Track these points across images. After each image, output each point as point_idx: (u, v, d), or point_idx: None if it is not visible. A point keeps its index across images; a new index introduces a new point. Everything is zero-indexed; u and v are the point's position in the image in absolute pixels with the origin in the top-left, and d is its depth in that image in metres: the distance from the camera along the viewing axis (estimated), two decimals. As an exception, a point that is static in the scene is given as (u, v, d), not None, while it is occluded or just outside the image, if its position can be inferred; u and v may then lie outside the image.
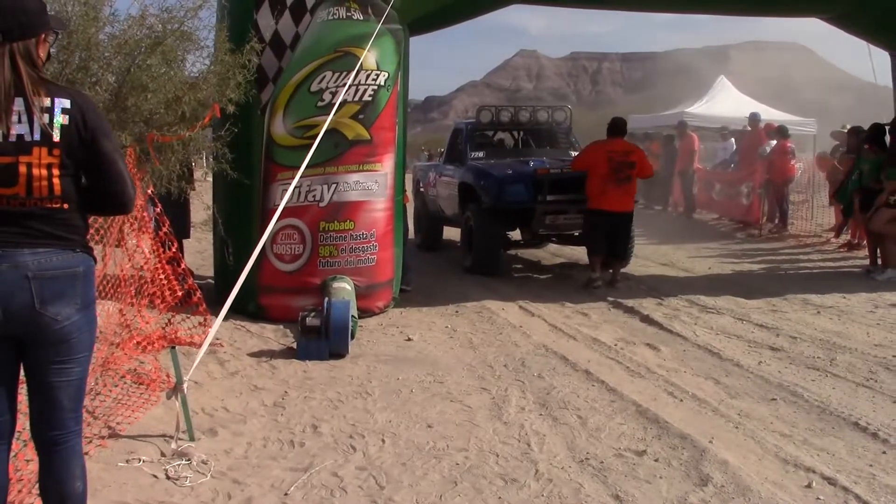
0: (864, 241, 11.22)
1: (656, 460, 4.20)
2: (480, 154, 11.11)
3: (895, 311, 7.85)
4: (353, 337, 6.47)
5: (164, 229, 5.81)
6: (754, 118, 16.16)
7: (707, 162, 17.42)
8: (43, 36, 2.73)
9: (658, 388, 5.47)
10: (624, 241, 9.46)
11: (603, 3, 10.27)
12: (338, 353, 6.20)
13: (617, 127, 9.58)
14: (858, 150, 11.22)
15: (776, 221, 14.31)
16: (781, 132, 14.43)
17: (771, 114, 20.81)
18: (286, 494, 3.80)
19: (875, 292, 8.69)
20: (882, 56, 10.28)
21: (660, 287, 9.14)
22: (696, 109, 21.69)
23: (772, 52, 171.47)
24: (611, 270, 9.43)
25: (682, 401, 5.19)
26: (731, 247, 13.06)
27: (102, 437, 4.30)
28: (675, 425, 4.65)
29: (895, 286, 9.00)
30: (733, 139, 16.89)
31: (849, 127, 12.85)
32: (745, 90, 24.82)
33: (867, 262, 10.38)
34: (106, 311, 5.26)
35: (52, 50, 2.85)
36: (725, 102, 22.24)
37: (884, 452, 4.31)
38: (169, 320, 6.13)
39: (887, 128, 10.03)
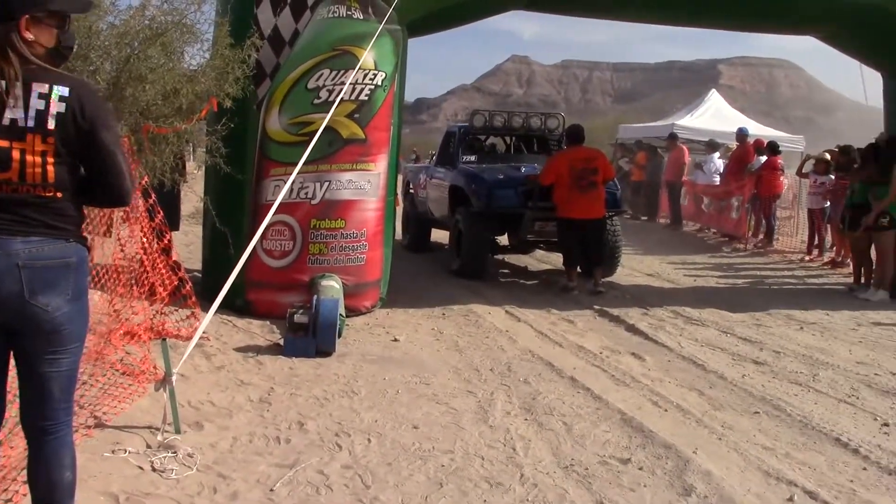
0: (848, 259, 11.33)
1: (640, 469, 4.23)
2: (472, 158, 11.14)
3: (878, 329, 7.94)
4: (340, 335, 6.48)
5: (158, 220, 5.79)
6: (742, 133, 16.27)
7: (697, 175, 17.50)
8: (30, 17, 2.61)
9: (643, 397, 5.51)
10: (598, 248, 9.54)
11: (597, 13, 10.33)
12: (325, 350, 6.21)
13: (576, 134, 9.76)
14: (848, 169, 11.35)
15: (761, 236, 14.41)
16: (772, 148, 14.54)
17: (759, 129, 20.95)
18: (272, 490, 3.81)
19: (858, 310, 8.78)
20: (874, 76, 10.37)
21: (645, 297, 9.19)
22: (685, 122, 21.80)
23: (762, 68, 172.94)
24: (592, 279, 9.49)
25: (666, 410, 5.23)
26: (716, 260, 13.13)
27: (89, 427, 4.29)
28: (660, 435, 4.69)
29: (879, 305, 9.10)
30: (718, 153, 16.99)
31: (840, 146, 12.97)
32: (735, 105, 24.97)
33: (851, 279, 10.47)
34: (93, 302, 5.24)
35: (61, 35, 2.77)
36: (714, 116, 22.37)
37: (864, 469, 4.36)
38: (158, 312, 6.11)
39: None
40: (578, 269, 9.71)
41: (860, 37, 9.72)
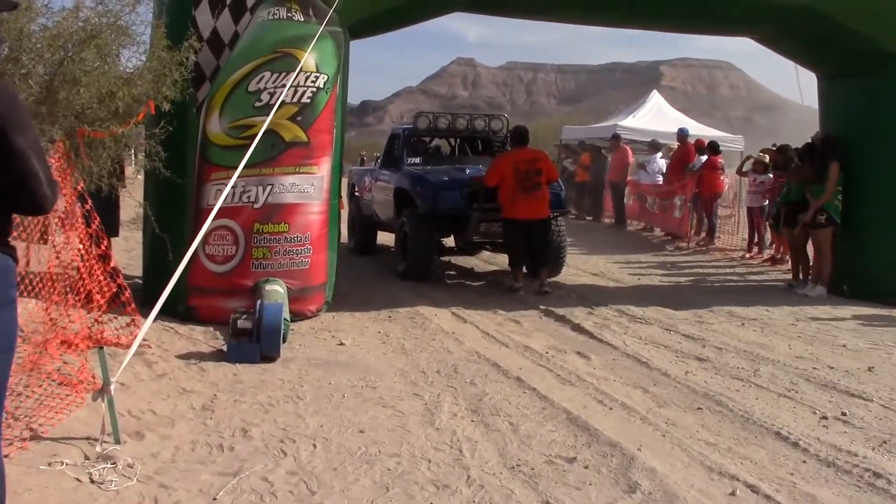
0: (787, 256, 11.57)
1: (586, 467, 4.25)
2: (417, 160, 11.13)
3: (816, 324, 8.11)
4: (284, 340, 6.41)
5: (95, 226, 5.66)
6: (682, 134, 16.52)
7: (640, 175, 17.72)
8: None
9: (588, 395, 5.55)
10: (543, 248, 9.62)
11: (538, 15, 10.39)
12: (269, 356, 6.13)
13: (521, 135, 9.86)
14: (785, 168, 11.59)
15: (703, 235, 14.65)
16: (713, 148, 14.80)
17: (700, 129, 21.30)
18: (215, 499, 3.74)
19: (797, 306, 8.97)
20: (809, 77, 10.61)
21: (590, 296, 9.27)
22: (628, 122, 22.07)
23: (702, 70, 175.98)
24: (538, 280, 9.56)
25: (611, 409, 5.27)
26: (660, 258, 13.32)
27: (24, 440, 4.17)
28: (605, 433, 4.72)
29: (817, 301, 9.30)
30: (660, 153, 17.24)
31: (777, 145, 13.26)
32: (677, 105, 25.34)
33: (790, 276, 10.69)
34: (27, 311, 5.12)
35: None
36: (657, 117, 22.68)
37: (804, 461, 4.44)
38: (96, 320, 5.98)
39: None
40: (524, 270, 9.75)
41: (794, 38, 9.92)
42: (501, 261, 11.62)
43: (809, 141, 10.55)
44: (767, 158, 12.90)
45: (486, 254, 11.63)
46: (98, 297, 5.61)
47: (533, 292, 9.34)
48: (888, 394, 5.73)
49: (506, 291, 9.50)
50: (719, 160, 14.71)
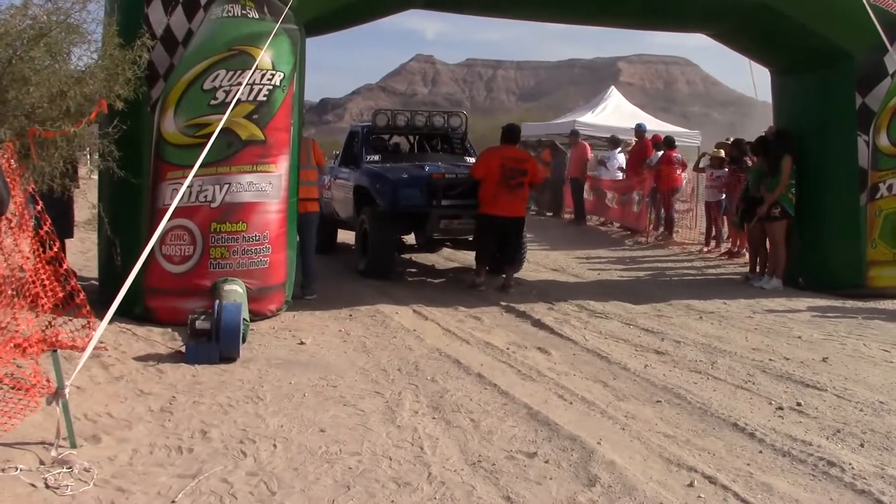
0: (744, 249, 11.72)
1: (546, 462, 4.28)
2: (376, 157, 11.08)
3: (771, 316, 8.23)
4: (244, 340, 6.35)
5: (46, 228, 5.55)
6: (640, 129, 16.66)
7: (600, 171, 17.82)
8: None
9: (549, 390, 5.58)
10: (515, 247, 9.70)
11: (494, 12, 10.41)
12: (228, 356, 6.08)
13: (512, 134, 9.81)
14: (741, 162, 11.76)
15: (662, 229, 14.79)
16: (668, 143, 14.94)
17: (658, 125, 21.51)
18: (173, 502, 3.71)
19: (753, 298, 9.10)
20: (762, 72, 10.76)
21: (551, 292, 9.31)
22: (587, 119, 22.21)
23: (659, 66, 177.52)
24: (503, 276, 9.58)
25: (571, 403, 5.30)
26: (619, 253, 13.42)
27: (-24, 446, 4.09)
28: (565, 427, 4.75)
29: (773, 293, 9.44)
30: (619, 149, 17.38)
31: (732, 139, 13.44)
32: (635, 101, 25.57)
33: (747, 269, 10.84)
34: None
35: None
36: (615, 113, 22.86)
37: (760, 452, 4.51)
38: (49, 323, 5.87)
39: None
40: (486, 267, 9.76)
41: (749, 35, 10.04)
42: (462, 257, 11.65)
43: (762, 135, 10.71)
44: (723, 153, 13.07)
45: (446, 251, 11.64)
46: (45, 300, 5.49)
47: (496, 289, 9.37)
48: (842, 384, 5.84)
49: (468, 288, 9.51)
50: (675, 154, 14.86)
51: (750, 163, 11.54)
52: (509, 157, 9.38)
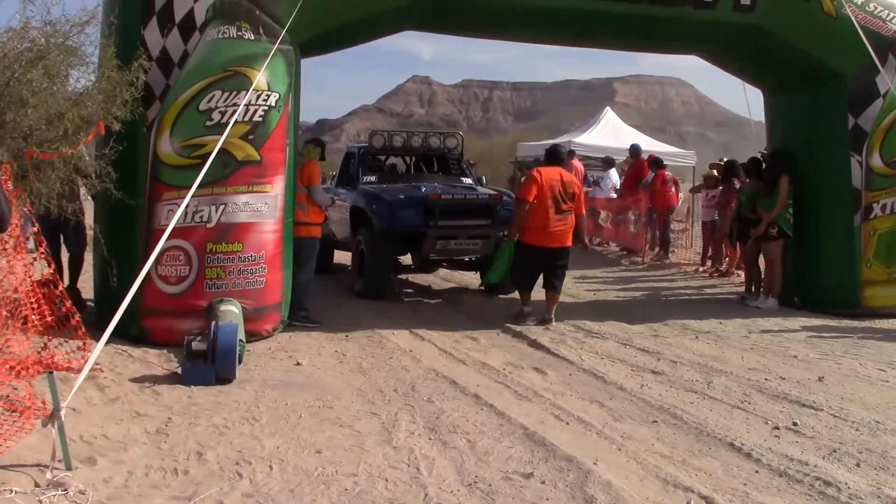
0: (737, 269, 11.74)
1: (543, 482, 4.26)
2: (372, 178, 11.12)
3: (767, 336, 8.24)
4: (240, 361, 6.34)
5: (42, 249, 5.55)
6: (635, 150, 16.72)
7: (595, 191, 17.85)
8: None
9: (545, 411, 5.57)
10: (560, 277, 8.87)
11: (490, 33, 10.47)
12: (224, 377, 6.06)
13: (557, 155, 9.18)
14: (730, 182, 11.84)
15: (657, 249, 14.81)
16: (657, 163, 15.06)
17: (654, 145, 21.55)
18: (168, 524, 3.69)
19: (749, 318, 9.11)
20: (756, 92, 10.82)
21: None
22: (582, 139, 22.25)
23: (655, 86, 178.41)
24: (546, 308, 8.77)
25: (568, 423, 5.30)
26: (616, 274, 13.44)
27: (-30, 468, 4.07)
28: (562, 448, 4.74)
29: (769, 313, 9.45)
30: (613, 168, 17.42)
31: (725, 160, 13.53)
32: (630, 122, 25.64)
33: (742, 288, 10.85)
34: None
35: None
36: (610, 133, 22.90)
37: (756, 472, 4.50)
38: (45, 344, 5.86)
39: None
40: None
41: (741, 55, 10.11)
42: (459, 278, 11.66)
43: (756, 156, 10.76)
44: (716, 172, 13.14)
45: (443, 271, 11.64)
46: (36, 320, 5.46)
47: (537, 322, 8.65)
48: (837, 403, 5.84)
49: (515, 317, 8.81)
50: (666, 173, 14.93)
51: (738, 184, 11.62)
52: (557, 180, 8.64)
